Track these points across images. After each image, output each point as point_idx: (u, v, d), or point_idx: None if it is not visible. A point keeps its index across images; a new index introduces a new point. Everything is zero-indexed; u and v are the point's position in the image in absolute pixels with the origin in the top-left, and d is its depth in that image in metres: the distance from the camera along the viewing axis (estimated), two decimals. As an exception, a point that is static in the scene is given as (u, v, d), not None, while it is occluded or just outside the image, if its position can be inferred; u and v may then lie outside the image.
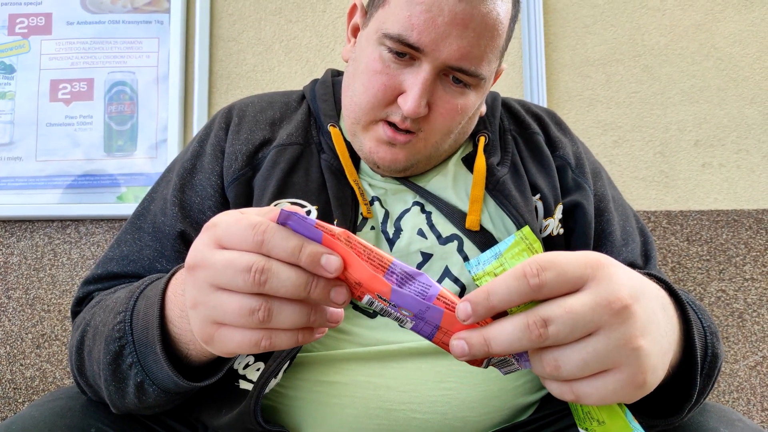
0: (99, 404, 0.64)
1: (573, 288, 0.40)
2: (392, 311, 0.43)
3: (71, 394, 0.67)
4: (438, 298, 0.43)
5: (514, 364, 0.44)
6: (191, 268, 0.44)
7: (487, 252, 0.44)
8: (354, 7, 0.79)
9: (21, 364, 1.38)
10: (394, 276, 0.42)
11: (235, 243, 0.42)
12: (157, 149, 1.45)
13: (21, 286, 1.41)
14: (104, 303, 0.65)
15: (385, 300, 0.43)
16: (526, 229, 0.44)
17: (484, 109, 0.80)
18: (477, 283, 0.44)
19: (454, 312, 0.42)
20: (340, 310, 0.44)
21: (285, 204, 0.43)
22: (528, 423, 0.68)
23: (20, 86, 1.46)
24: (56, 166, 1.44)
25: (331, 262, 0.41)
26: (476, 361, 0.44)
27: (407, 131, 0.70)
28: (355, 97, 0.72)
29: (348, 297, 0.43)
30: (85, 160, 1.44)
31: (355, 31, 0.79)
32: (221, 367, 0.58)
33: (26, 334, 1.39)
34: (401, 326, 0.44)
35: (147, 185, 1.43)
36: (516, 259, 0.43)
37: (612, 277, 0.40)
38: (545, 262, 0.39)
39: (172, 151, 1.44)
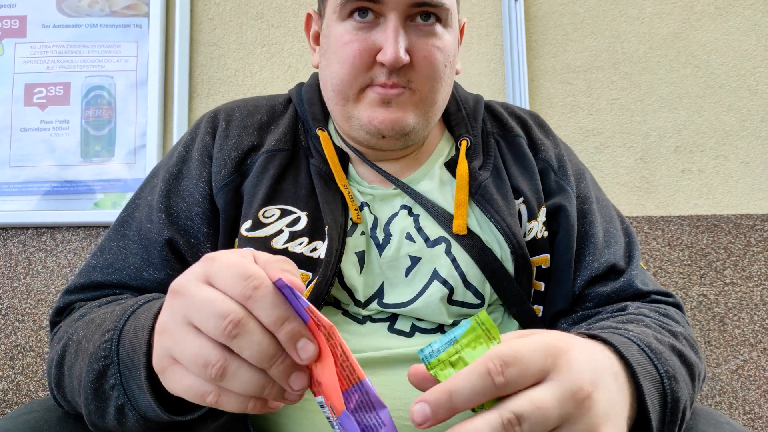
0: (77, 417, 0.62)
1: (536, 381, 0.39)
2: (335, 426, 0.41)
3: (47, 406, 0.64)
4: None
5: None
6: (173, 293, 0.43)
7: (442, 338, 0.41)
8: (309, 17, 0.82)
9: (-7, 377, 1.34)
10: (355, 397, 0.39)
11: (223, 286, 0.40)
12: (135, 155, 1.42)
13: (-7, 296, 1.37)
14: (90, 317, 0.62)
15: (334, 413, 0.40)
16: (483, 314, 0.41)
17: (460, 66, 0.81)
18: (431, 372, 0.41)
19: None
20: (298, 394, 0.42)
21: (288, 272, 0.41)
22: None
23: (-7, 90, 1.43)
24: (31, 172, 1.40)
25: (308, 350, 0.39)
26: None
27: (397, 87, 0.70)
28: (335, 78, 0.72)
29: (305, 387, 0.41)
30: (61, 165, 1.41)
31: (317, 38, 0.80)
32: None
33: (-2, 345, 1.35)
34: None
35: (125, 191, 1.41)
36: (472, 346, 0.41)
37: (572, 364, 0.40)
38: (508, 358, 0.38)
39: (150, 157, 1.41)
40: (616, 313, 0.69)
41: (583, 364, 0.41)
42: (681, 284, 1.39)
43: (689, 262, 1.40)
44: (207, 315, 0.39)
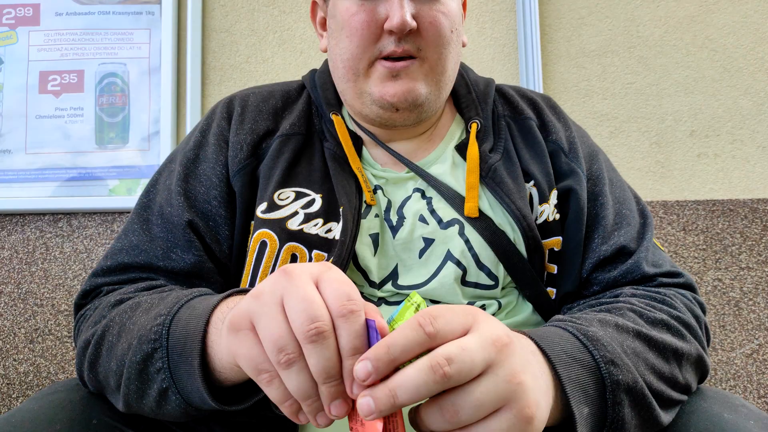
0: (99, 397, 0.63)
1: (461, 334, 0.42)
2: None
3: (70, 386, 0.66)
4: None
5: None
6: (284, 272, 0.45)
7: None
8: (314, 4, 0.83)
9: (14, 360, 1.36)
10: None
11: (327, 294, 0.43)
12: (149, 141, 1.43)
13: (12, 281, 1.39)
14: (133, 302, 0.63)
15: None
16: (414, 294, 0.45)
17: (466, 39, 0.82)
18: None
19: None
20: (331, 419, 0.44)
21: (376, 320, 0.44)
22: None
23: (8, 78, 1.44)
24: (47, 159, 1.42)
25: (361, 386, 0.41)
26: None
27: (406, 58, 0.71)
28: (345, 53, 0.73)
29: (342, 415, 0.43)
30: (76, 152, 1.42)
31: (323, 24, 0.81)
32: (251, 395, 0.56)
33: (19, 329, 1.37)
34: None
35: (139, 178, 1.42)
36: (405, 320, 0.44)
37: (489, 321, 0.44)
38: (435, 313, 0.42)
39: (164, 143, 1.42)
40: (605, 300, 0.69)
41: (499, 325, 0.44)
42: (696, 269, 1.38)
43: (704, 247, 1.39)
44: (300, 310, 0.41)
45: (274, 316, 0.43)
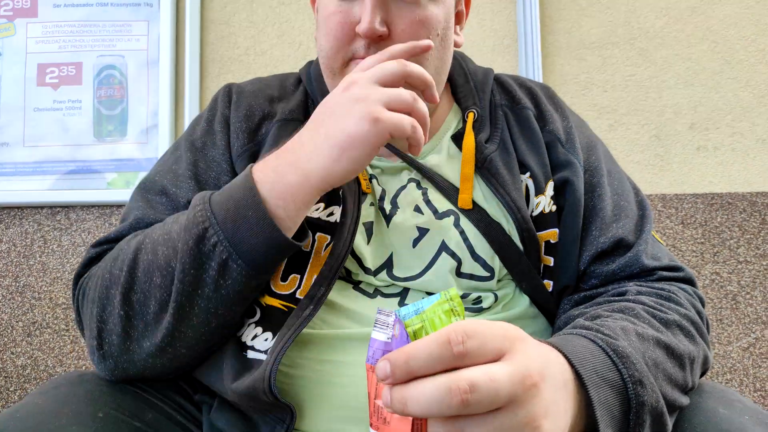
0: (103, 389, 0.63)
1: (492, 359, 0.40)
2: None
3: (73, 380, 0.65)
4: None
5: None
6: (347, 85, 0.58)
7: (410, 306, 0.42)
8: None
9: (12, 353, 1.37)
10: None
11: (387, 81, 0.58)
12: (147, 134, 1.43)
13: (10, 274, 1.39)
14: (158, 224, 0.65)
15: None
16: (453, 290, 0.43)
17: (462, 39, 0.80)
18: None
19: None
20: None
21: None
22: None
23: (6, 70, 1.44)
24: (45, 152, 1.42)
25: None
26: None
27: None
28: (322, 51, 0.73)
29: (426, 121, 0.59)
30: (75, 145, 1.42)
31: None
32: (304, 235, 0.63)
33: (17, 322, 1.38)
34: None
35: (137, 171, 1.42)
36: (437, 318, 0.42)
37: (526, 351, 0.41)
38: (470, 331, 0.39)
39: (163, 136, 1.42)
40: (613, 298, 0.68)
41: (536, 355, 0.42)
42: (694, 262, 1.38)
43: (702, 240, 1.39)
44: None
45: (378, 90, 0.57)
